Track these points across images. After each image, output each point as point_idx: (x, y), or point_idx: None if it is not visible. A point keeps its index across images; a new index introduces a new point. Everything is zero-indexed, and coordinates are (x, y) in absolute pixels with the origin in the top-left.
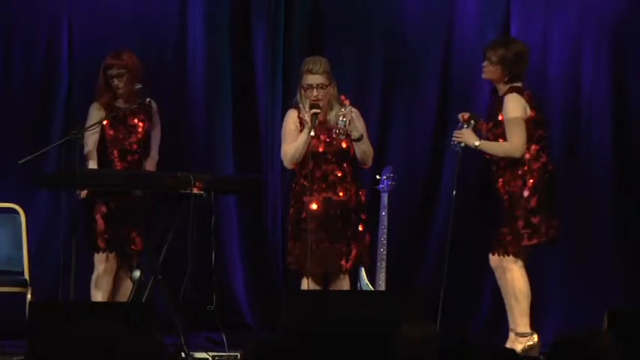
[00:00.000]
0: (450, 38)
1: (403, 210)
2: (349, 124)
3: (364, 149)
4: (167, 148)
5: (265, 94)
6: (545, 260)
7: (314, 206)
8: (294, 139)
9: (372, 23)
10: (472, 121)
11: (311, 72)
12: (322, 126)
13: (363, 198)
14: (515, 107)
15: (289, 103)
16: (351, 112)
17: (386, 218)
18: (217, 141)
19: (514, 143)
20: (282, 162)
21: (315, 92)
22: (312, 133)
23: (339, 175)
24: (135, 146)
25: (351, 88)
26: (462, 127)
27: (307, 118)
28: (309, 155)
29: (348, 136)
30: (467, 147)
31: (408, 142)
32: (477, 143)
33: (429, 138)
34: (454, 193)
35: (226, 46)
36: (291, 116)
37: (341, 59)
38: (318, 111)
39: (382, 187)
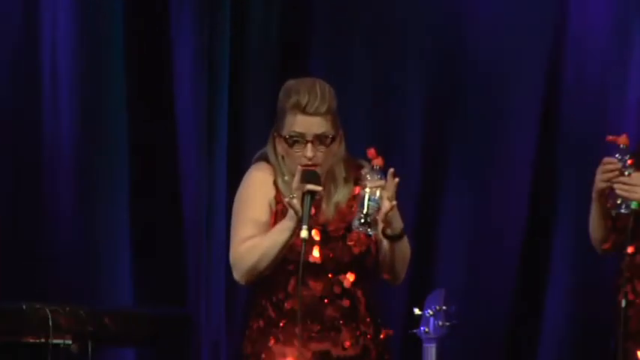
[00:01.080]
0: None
1: None
2: (390, 207)
3: (402, 252)
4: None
5: (193, 152)
6: None
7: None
8: (257, 228)
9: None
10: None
11: (304, 110)
12: (317, 214)
13: (386, 350)
14: None
15: (245, 160)
16: (393, 183)
17: None
18: (100, 242)
19: None
20: (230, 274)
21: (309, 150)
22: (305, 233)
23: (347, 306)
24: None
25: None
26: (624, 165)
27: (295, 200)
28: (289, 267)
29: (371, 229)
30: None
31: (480, 241)
32: None
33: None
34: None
35: (119, 58)
36: (259, 178)
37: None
38: (319, 189)
39: (425, 332)
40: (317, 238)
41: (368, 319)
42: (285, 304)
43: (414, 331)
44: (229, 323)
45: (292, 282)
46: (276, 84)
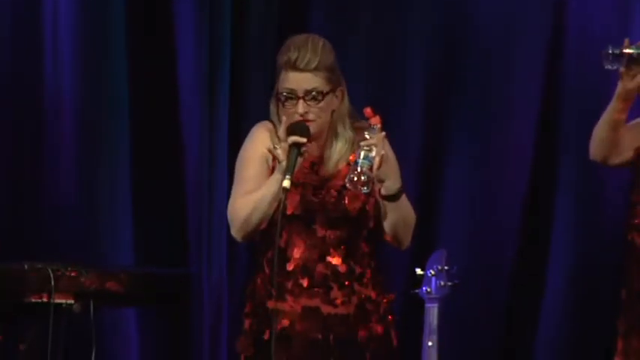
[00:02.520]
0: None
1: (472, 336)
2: (379, 163)
3: (402, 214)
4: None
5: (195, 113)
6: None
7: (285, 322)
8: (255, 185)
9: None
10: None
11: (294, 66)
12: (313, 170)
13: (388, 314)
14: None
15: (243, 127)
16: (384, 140)
17: (435, 355)
18: (101, 204)
19: None
20: (228, 229)
21: (301, 106)
22: (287, 183)
23: (339, 265)
24: None
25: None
26: None
27: (280, 151)
28: (281, 223)
29: (371, 187)
30: None
31: (480, 201)
32: None
33: (520, 188)
34: None
35: (120, 30)
36: (259, 136)
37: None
38: (303, 140)
39: (427, 291)
40: (308, 191)
41: (365, 280)
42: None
43: (416, 291)
44: (230, 283)
45: (283, 239)
46: (277, 45)
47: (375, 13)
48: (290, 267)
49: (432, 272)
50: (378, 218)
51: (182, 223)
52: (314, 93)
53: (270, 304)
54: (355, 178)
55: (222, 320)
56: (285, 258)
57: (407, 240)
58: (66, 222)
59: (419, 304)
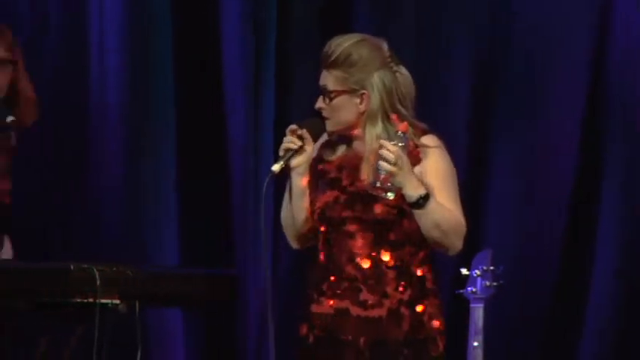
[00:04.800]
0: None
1: (517, 337)
2: (396, 170)
3: (435, 221)
4: (45, 216)
5: (240, 113)
6: None
7: (317, 324)
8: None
9: None
10: None
11: (320, 62)
12: (349, 173)
13: (433, 318)
14: None
15: (291, 122)
16: (403, 145)
17: (481, 356)
18: (147, 206)
19: None
20: (276, 235)
21: (319, 100)
22: (276, 167)
23: (367, 267)
24: None
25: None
26: None
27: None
28: (321, 228)
29: (395, 193)
30: None
31: (526, 200)
32: None
33: (565, 187)
34: None
35: (166, 22)
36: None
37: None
38: (300, 131)
39: (472, 292)
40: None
41: (403, 283)
42: (319, 262)
43: (461, 291)
44: (276, 285)
45: (321, 240)
46: (321, 41)
47: (420, 9)
48: (323, 269)
49: (478, 272)
50: (408, 222)
51: (227, 224)
52: (325, 91)
53: (307, 307)
54: (378, 184)
55: (268, 321)
56: (318, 260)
57: (451, 246)
58: (112, 223)
59: (464, 305)
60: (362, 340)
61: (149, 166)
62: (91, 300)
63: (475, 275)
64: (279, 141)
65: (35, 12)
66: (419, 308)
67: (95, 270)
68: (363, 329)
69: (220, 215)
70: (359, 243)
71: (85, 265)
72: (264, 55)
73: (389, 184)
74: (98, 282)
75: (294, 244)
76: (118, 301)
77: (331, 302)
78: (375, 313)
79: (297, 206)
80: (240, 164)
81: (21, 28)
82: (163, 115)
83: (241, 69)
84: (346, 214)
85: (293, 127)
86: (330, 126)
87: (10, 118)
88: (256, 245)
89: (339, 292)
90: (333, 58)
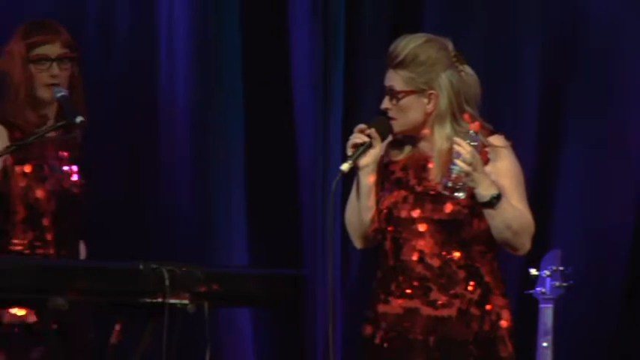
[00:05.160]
0: None
1: (587, 337)
2: (471, 169)
3: (505, 221)
4: (116, 216)
5: (309, 114)
6: None
7: (387, 324)
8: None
9: None
10: None
11: (386, 63)
12: (420, 173)
13: (501, 318)
14: None
15: (360, 121)
16: (475, 144)
17: (550, 356)
18: (216, 206)
19: None
20: (341, 230)
21: (385, 101)
22: (345, 166)
23: (437, 266)
24: (69, 208)
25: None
26: None
27: (357, 139)
28: (388, 228)
29: (467, 192)
30: None
31: (595, 200)
32: None
33: (636, 187)
34: None
35: (235, 25)
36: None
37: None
38: (368, 130)
39: (541, 292)
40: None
41: (472, 282)
42: (386, 262)
43: (531, 291)
44: (344, 285)
45: (388, 240)
46: (390, 43)
47: (490, 8)
48: (390, 269)
49: (547, 273)
50: (477, 221)
51: (296, 224)
52: (390, 91)
53: (373, 308)
54: (449, 184)
55: (336, 321)
56: (384, 260)
57: (521, 246)
58: (181, 223)
59: (534, 305)
60: (432, 339)
61: (219, 167)
62: (160, 300)
63: (544, 276)
64: (347, 140)
65: (105, 17)
66: (488, 307)
67: (164, 270)
68: (433, 329)
69: (289, 215)
70: (429, 242)
71: (154, 265)
72: (333, 54)
73: (461, 184)
74: (167, 282)
75: (358, 244)
76: (187, 301)
77: (400, 302)
78: (445, 312)
79: (364, 206)
80: (309, 164)
81: (90, 35)
82: (233, 116)
83: (310, 69)
84: (415, 213)
85: (362, 126)
86: (397, 127)
87: (79, 119)
88: (325, 245)
89: (408, 291)
90: (400, 59)
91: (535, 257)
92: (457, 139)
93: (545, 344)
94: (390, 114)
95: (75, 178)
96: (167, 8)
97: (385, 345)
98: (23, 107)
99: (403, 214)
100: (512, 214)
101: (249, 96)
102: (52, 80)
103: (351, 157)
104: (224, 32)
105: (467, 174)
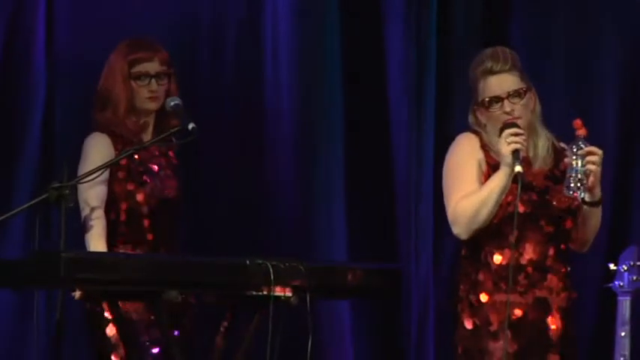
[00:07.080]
0: None
1: None
2: (595, 176)
3: (598, 220)
4: (223, 215)
5: (403, 117)
6: None
7: (518, 313)
8: (475, 186)
9: None
10: None
11: (492, 71)
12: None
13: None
14: None
15: (449, 130)
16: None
17: (628, 345)
18: (317, 204)
19: None
20: (449, 229)
21: (507, 105)
22: (520, 167)
23: (549, 261)
24: (167, 210)
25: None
26: None
27: (504, 151)
28: (494, 220)
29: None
30: None
31: None
32: None
33: None
34: None
35: (335, 32)
36: (467, 143)
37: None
38: (521, 136)
39: (620, 286)
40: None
41: (567, 280)
42: (497, 256)
43: (609, 285)
44: (437, 277)
45: (500, 234)
46: (481, 43)
47: (570, 17)
48: (523, 261)
49: (625, 267)
50: (576, 222)
51: (392, 221)
52: (514, 92)
53: (502, 297)
54: (573, 184)
55: (429, 312)
56: (495, 254)
57: (590, 243)
58: (285, 219)
59: (613, 297)
60: (552, 329)
61: (319, 168)
62: (265, 293)
63: (622, 270)
64: (439, 143)
65: (215, 26)
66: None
67: (269, 265)
68: (552, 320)
69: (385, 213)
70: (544, 237)
71: (260, 261)
72: (426, 59)
73: (583, 184)
74: (272, 276)
75: (466, 235)
76: (290, 294)
77: (520, 293)
78: (559, 303)
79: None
80: (403, 165)
81: (202, 43)
82: (332, 119)
83: (404, 73)
84: (529, 209)
85: (518, 130)
86: (522, 125)
87: (191, 125)
88: (417, 241)
89: (522, 284)
90: (510, 62)
91: (614, 253)
92: (586, 144)
93: (622, 334)
94: (517, 113)
95: (173, 182)
96: (271, 12)
97: (515, 332)
98: (124, 118)
99: (519, 210)
100: (600, 215)
101: (348, 102)
102: (151, 94)
103: (517, 158)
104: (324, 43)
105: (596, 175)
